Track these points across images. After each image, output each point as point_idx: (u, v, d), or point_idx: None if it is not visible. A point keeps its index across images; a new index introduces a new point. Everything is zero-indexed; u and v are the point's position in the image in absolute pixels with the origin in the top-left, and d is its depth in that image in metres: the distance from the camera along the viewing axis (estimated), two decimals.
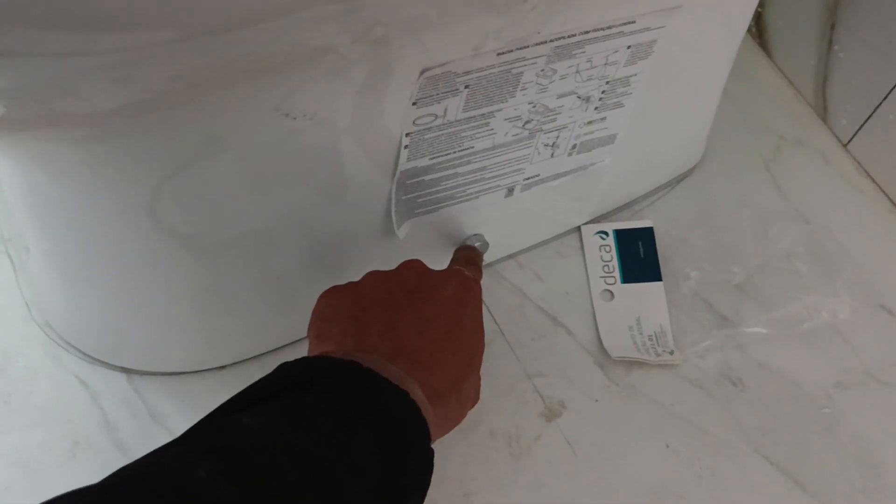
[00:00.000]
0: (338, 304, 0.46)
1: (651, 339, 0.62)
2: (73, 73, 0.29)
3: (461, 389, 0.45)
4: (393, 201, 0.52)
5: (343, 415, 0.36)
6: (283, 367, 0.39)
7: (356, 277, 0.58)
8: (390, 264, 0.53)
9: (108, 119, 0.34)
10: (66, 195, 0.44)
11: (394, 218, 0.53)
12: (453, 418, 0.46)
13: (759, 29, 0.78)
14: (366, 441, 0.36)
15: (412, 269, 0.48)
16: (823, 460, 0.58)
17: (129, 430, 0.58)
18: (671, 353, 0.61)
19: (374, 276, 0.48)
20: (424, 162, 0.50)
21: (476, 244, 0.59)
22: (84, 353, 0.60)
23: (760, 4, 0.76)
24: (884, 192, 0.70)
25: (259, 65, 0.34)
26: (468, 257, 0.56)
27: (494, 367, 0.61)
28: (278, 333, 0.60)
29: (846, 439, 0.59)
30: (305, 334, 0.60)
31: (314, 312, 0.47)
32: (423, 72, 0.43)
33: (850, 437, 0.59)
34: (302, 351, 0.61)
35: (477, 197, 0.56)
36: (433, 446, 0.41)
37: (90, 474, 0.31)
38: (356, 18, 0.34)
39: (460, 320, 0.46)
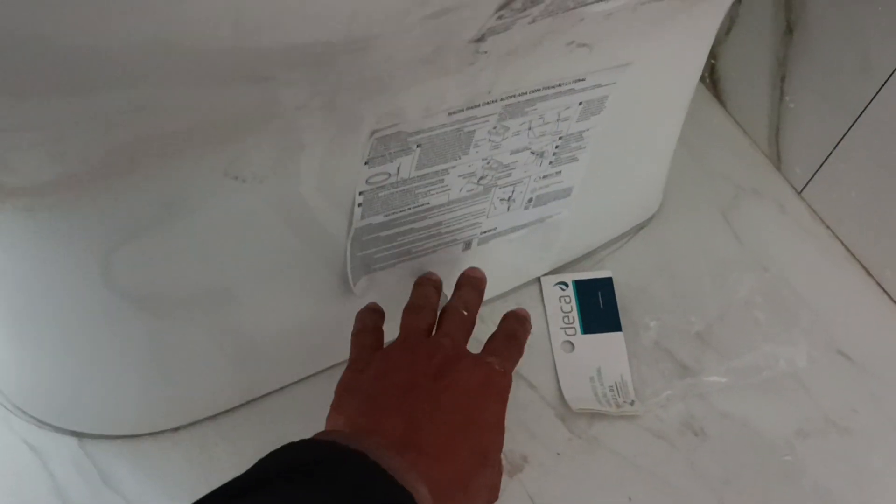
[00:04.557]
0: (360, 379, 0.47)
1: (612, 391, 0.62)
2: (2, 147, 0.29)
3: (469, 487, 0.43)
4: (348, 258, 0.52)
5: None
6: (289, 450, 0.38)
7: (313, 335, 0.57)
8: (349, 319, 0.53)
9: (48, 189, 0.34)
10: (12, 261, 0.43)
11: (349, 274, 0.53)
12: None
13: (713, 80, 0.79)
14: None
15: (442, 350, 0.47)
16: None
17: (80, 496, 0.56)
18: (632, 403, 0.61)
19: (403, 348, 0.48)
20: (379, 219, 0.50)
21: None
22: (33, 417, 0.58)
23: (714, 56, 0.77)
24: (838, 237, 0.71)
25: (202, 133, 0.34)
26: (511, 331, 0.51)
27: None
28: (234, 393, 0.59)
29: (808, 487, 0.59)
30: (261, 393, 0.60)
31: (341, 379, 0.48)
32: (373, 133, 0.43)
33: (812, 486, 0.59)
34: (259, 411, 0.60)
35: (434, 251, 0.56)
36: None
37: None
38: (297, 88, 0.34)
39: (479, 416, 0.45)
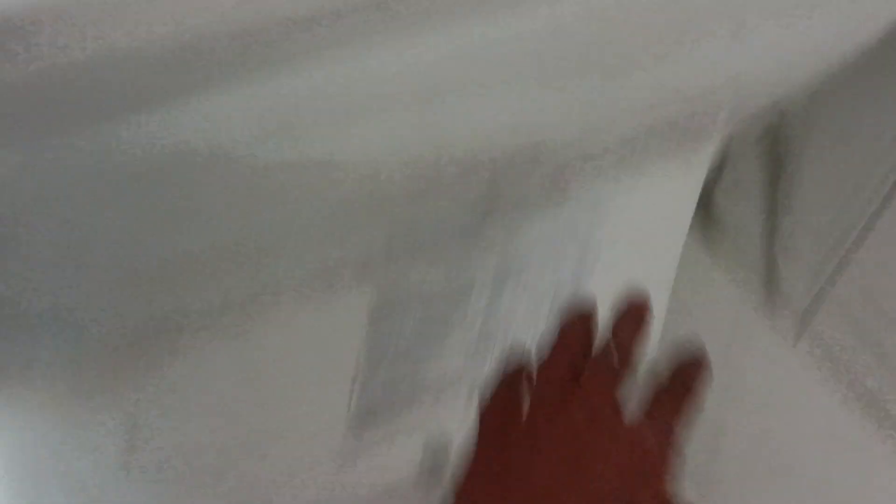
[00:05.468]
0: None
1: None
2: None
3: None
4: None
5: None
6: None
7: None
8: None
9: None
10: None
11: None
12: None
13: (705, 237, 0.82)
14: None
15: (573, 427, 0.34)
16: None
17: None
18: None
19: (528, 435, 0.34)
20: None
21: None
22: None
23: (706, 211, 0.80)
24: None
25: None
26: (683, 382, 0.36)
27: None
28: None
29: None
30: None
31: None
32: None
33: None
34: None
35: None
36: None
37: None
38: None
39: None
